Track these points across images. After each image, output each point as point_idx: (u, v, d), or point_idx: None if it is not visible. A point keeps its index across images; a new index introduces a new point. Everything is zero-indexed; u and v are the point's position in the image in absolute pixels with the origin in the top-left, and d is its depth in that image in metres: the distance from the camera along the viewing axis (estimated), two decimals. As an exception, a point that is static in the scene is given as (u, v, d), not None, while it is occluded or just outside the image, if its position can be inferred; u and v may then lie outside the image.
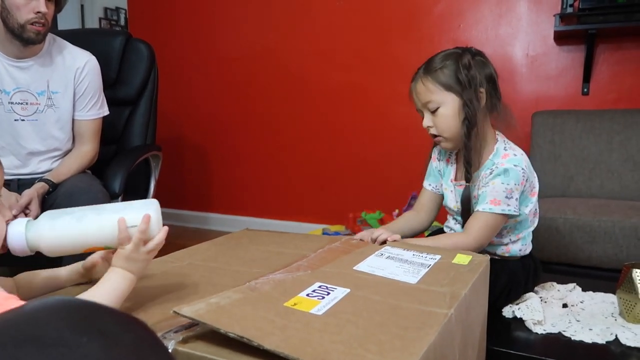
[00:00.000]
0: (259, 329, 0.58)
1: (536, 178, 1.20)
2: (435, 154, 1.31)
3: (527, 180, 1.13)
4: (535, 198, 1.18)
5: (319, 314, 0.64)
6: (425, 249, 1.00)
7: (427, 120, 1.16)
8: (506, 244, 1.20)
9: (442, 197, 1.30)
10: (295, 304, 0.67)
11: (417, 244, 1.07)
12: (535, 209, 1.22)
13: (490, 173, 1.13)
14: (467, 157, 1.14)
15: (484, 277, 0.91)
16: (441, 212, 1.34)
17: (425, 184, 1.33)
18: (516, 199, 1.12)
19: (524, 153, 1.17)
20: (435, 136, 1.17)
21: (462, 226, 1.22)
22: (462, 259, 0.93)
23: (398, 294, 0.73)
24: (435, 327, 0.61)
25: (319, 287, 0.74)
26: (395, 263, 0.89)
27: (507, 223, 1.16)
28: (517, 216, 1.14)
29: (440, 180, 1.29)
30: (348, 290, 0.73)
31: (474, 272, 0.86)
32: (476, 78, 1.10)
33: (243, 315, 0.63)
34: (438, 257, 0.93)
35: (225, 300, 0.66)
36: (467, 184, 1.17)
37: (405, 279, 0.81)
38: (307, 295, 0.71)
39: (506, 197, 1.10)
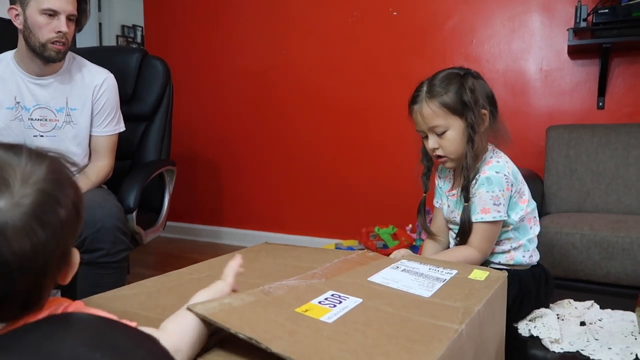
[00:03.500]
0: (268, 331, 0.59)
1: (525, 185, 1.21)
2: (437, 172, 1.34)
3: (511, 185, 1.15)
4: (525, 205, 1.19)
5: (329, 322, 0.64)
6: (442, 263, 0.99)
7: (433, 143, 1.17)
8: (508, 251, 1.20)
9: None
10: (306, 310, 0.67)
11: (433, 259, 1.07)
12: (534, 217, 1.23)
13: (475, 183, 1.15)
14: (467, 177, 1.16)
15: (500, 293, 0.90)
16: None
17: (434, 202, 1.35)
18: (504, 205, 1.14)
19: (509, 161, 1.19)
20: (440, 157, 1.19)
21: (460, 240, 1.22)
22: (479, 274, 0.92)
23: (410, 307, 0.73)
24: (445, 341, 0.61)
25: (332, 295, 0.74)
26: (410, 276, 0.88)
27: (503, 229, 1.18)
28: (509, 222, 1.16)
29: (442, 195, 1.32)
30: (360, 300, 0.73)
31: (490, 288, 0.84)
32: (479, 101, 1.13)
33: (254, 317, 0.63)
34: (455, 271, 0.92)
35: (238, 302, 0.67)
36: (466, 203, 1.17)
37: (419, 292, 0.80)
38: (319, 302, 0.71)
39: (494, 204, 1.13)
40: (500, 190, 1.13)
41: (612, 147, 2.04)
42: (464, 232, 1.17)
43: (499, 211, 1.13)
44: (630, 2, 1.95)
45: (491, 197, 1.13)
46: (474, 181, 1.15)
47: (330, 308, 0.68)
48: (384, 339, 0.60)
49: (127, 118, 1.77)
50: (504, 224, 1.17)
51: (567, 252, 1.67)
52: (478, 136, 1.14)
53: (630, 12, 1.94)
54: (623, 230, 1.63)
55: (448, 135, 1.14)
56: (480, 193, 1.14)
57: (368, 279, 0.86)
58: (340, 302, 0.71)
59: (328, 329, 0.62)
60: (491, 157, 1.18)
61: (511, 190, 1.15)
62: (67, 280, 0.54)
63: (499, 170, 1.14)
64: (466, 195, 1.16)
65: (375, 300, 0.74)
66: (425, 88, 1.16)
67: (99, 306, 0.72)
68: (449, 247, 1.34)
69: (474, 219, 1.15)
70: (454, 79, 1.14)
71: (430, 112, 1.14)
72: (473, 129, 1.12)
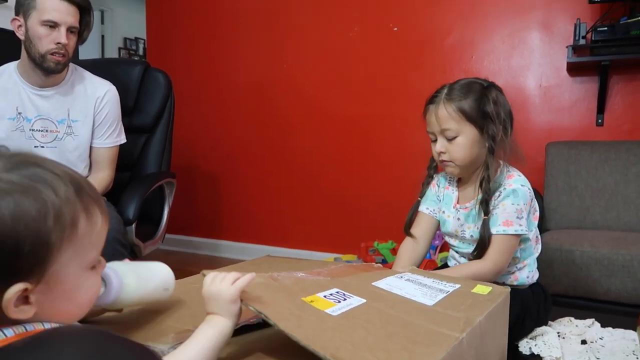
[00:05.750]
0: (276, 311, 0.61)
1: (536, 202, 1.21)
2: (434, 181, 1.32)
3: (531, 200, 1.15)
4: (536, 222, 1.19)
5: (333, 315, 0.65)
6: (445, 277, 0.98)
7: (441, 146, 1.16)
8: (513, 272, 1.20)
9: (438, 221, 1.30)
10: (312, 301, 0.68)
11: (438, 273, 1.07)
12: (537, 236, 1.23)
13: (499, 195, 1.14)
14: (488, 190, 1.13)
15: (503, 307, 0.90)
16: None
17: (423, 208, 1.32)
18: (525, 219, 1.13)
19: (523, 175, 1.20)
20: (444, 161, 1.18)
21: (478, 255, 1.19)
22: (482, 289, 0.92)
23: (412, 312, 0.73)
24: (445, 347, 0.61)
25: (337, 292, 0.75)
26: (414, 285, 0.89)
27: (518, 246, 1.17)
28: (526, 238, 1.16)
29: (438, 204, 1.30)
30: (364, 300, 0.74)
31: (493, 301, 0.84)
32: (501, 114, 1.13)
33: (263, 296, 0.65)
34: (458, 285, 0.92)
35: None
36: (485, 217, 1.14)
37: (422, 300, 0.80)
38: (324, 296, 0.72)
39: (517, 217, 1.12)
40: (524, 204, 1.12)
41: (611, 163, 2.04)
42: (483, 246, 1.14)
43: (520, 225, 1.12)
44: (629, 20, 1.97)
45: (516, 210, 1.12)
46: (497, 193, 1.14)
47: (334, 303, 0.70)
48: (386, 337, 0.61)
49: (128, 130, 1.78)
50: (523, 237, 1.16)
51: (567, 268, 1.67)
52: (499, 148, 1.13)
53: (629, 30, 1.96)
54: (623, 248, 1.62)
55: (458, 141, 1.14)
56: (505, 205, 1.12)
57: (372, 283, 0.87)
58: (345, 299, 0.73)
59: (332, 320, 0.63)
60: (509, 171, 1.18)
61: (530, 205, 1.15)
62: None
63: (524, 184, 1.14)
64: (486, 208, 1.14)
65: (379, 302, 0.75)
66: (445, 90, 1.16)
67: (97, 318, 0.72)
68: (426, 255, 1.33)
69: (494, 230, 1.12)
70: (476, 88, 1.14)
71: (446, 114, 1.13)
72: (494, 140, 1.12)
